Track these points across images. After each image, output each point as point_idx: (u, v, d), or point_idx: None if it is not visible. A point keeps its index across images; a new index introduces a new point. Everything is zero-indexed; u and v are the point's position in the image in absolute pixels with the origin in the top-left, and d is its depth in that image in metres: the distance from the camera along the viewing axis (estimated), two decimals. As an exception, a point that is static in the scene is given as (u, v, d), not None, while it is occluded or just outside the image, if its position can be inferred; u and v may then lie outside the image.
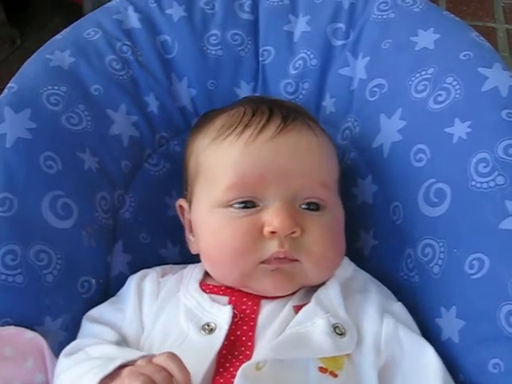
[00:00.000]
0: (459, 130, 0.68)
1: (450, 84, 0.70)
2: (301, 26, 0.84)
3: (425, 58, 0.74)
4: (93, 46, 0.79)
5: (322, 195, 0.66)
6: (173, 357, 0.52)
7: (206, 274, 0.69)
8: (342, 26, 0.83)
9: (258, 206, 0.64)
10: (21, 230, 0.65)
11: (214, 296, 0.66)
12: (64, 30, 0.81)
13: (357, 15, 0.83)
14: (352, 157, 0.80)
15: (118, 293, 0.71)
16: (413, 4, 0.80)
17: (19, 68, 0.75)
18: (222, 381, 0.57)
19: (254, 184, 0.64)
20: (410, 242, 0.70)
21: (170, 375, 0.51)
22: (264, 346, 0.59)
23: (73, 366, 0.59)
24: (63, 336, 0.66)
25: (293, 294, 0.65)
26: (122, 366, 0.54)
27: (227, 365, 0.59)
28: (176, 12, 0.84)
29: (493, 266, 0.62)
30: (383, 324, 0.63)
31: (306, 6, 0.85)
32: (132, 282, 0.70)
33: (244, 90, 0.85)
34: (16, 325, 0.63)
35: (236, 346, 0.60)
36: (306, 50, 0.84)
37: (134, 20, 0.83)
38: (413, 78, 0.74)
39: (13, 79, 0.73)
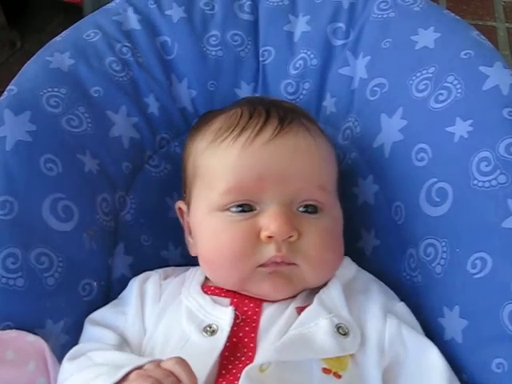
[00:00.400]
0: (460, 129, 0.67)
1: (450, 83, 0.70)
2: (301, 25, 0.84)
3: (425, 57, 0.74)
4: (92, 47, 0.79)
5: (320, 198, 0.66)
6: (181, 362, 0.52)
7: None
8: (342, 25, 0.82)
9: (256, 209, 0.64)
10: (21, 233, 0.65)
11: (215, 298, 0.66)
12: (63, 32, 0.81)
13: (357, 15, 0.82)
14: (353, 157, 0.79)
15: (120, 295, 0.71)
16: (413, 3, 0.79)
17: (19, 70, 0.75)
18: (224, 383, 0.57)
19: (251, 187, 0.64)
20: (412, 242, 0.70)
21: (178, 380, 0.51)
22: (267, 347, 0.59)
23: (77, 371, 0.59)
24: (65, 339, 0.66)
25: (295, 295, 0.65)
26: (129, 372, 0.54)
27: (229, 367, 0.58)
28: (176, 13, 0.84)
29: (495, 265, 0.62)
30: (387, 324, 0.63)
31: (306, 5, 0.85)
32: (134, 284, 0.70)
33: (244, 91, 0.85)
34: (17, 328, 0.62)
35: (238, 347, 0.60)
36: (306, 50, 0.83)
37: (133, 21, 0.83)
38: (413, 78, 0.73)
39: (12, 81, 0.73)
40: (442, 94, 0.70)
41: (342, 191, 0.73)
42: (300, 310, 0.63)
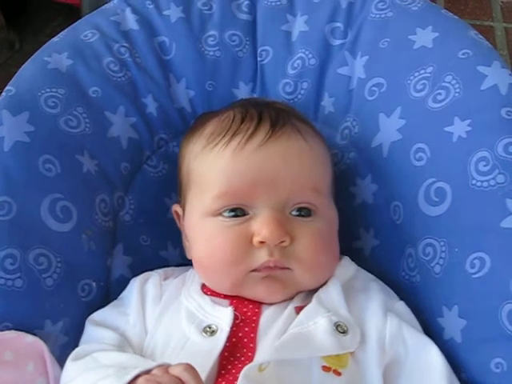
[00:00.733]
0: (459, 128, 0.67)
1: (449, 83, 0.70)
2: (299, 25, 0.84)
3: (423, 56, 0.74)
4: (90, 48, 0.79)
5: (313, 200, 0.66)
6: (190, 368, 0.52)
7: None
8: (340, 25, 0.82)
9: (248, 214, 0.64)
10: (20, 234, 0.65)
11: (215, 298, 0.66)
12: (61, 33, 0.81)
13: (355, 14, 0.82)
14: (351, 156, 0.79)
15: (120, 296, 0.71)
16: (411, 3, 0.79)
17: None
18: (224, 383, 0.57)
19: (243, 192, 0.64)
20: (411, 242, 0.70)
21: None
22: (266, 347, 0.59)
23: (83, 372, 0.58)
24: (64, 340, 0.66)
25: (293, 296, 0.65)
26: (136, 375, 0.54)
27: (229, 367, 0.58)
28: (174, 13, 0.83)
29: (494, 264, 0.62)
30: (387, 322, 0.63)
31: (304, 5, 0.85)
32: (134, 285, 0.70)
33: (242, 91, 0.85)
34: (16, 329, 0.62)
35: (238, 347, 0.60)
36: (304, 50, 0.83)
37: (131, 21, 0.83)
38: (412, 77, 0.73)
39: (10, 82, 0.73)
40: (440, 93, 0.70)
41: (340, 191, 0.74)
42: (299, 309, 0.63)
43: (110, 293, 0.73)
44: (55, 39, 0.80)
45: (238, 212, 0.64)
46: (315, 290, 0.65)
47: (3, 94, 0.72)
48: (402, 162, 0.72)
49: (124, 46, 0.81)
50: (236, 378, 0.55)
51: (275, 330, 0.61)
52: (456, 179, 0.66)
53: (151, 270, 0.72)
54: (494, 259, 0.62)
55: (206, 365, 0.57)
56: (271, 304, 0.64)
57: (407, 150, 0.71)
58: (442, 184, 0.68)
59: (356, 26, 0.82)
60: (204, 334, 0.61)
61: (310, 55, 0.83)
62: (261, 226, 0.62)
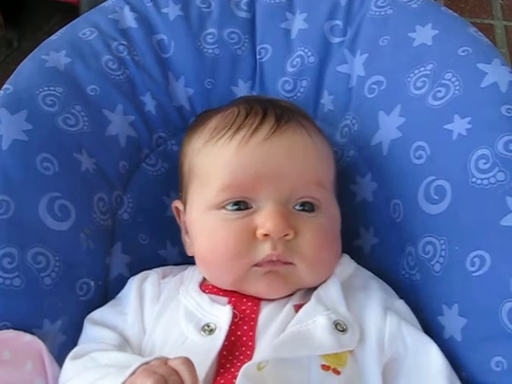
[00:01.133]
0: (459, 126, 0.67)
1: (449, 80, 0.70)
2: (298, 23, 0.84)
3: (423, 54, 0.74)
4: (89, 46, 0.79)
5: (317, 195, 0.66)
6: (187, 362, 0.52)
7: (206, 276, 0.69)
8: (339, 22, 0.82)
9: (252, 207, 0.64)
10: (18, 233, 0.65)
11: (213, 296, 0.65)
12: (59, 31, 0.80)
13: (354, 12, 0.82)
14: (351, 154, 0.79)
15: (119, 295, 0.70)
16: (410, 0, 0.79)
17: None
18: (222, 381, 0.57)
19: (246, 185, 0.64)
20: (411, 240, 0.70)
21: (181, 380, 0.51)
22: (265, 345, 0.59)
23: (82, 372, 0.58)
24: (62, 339, 0.65)
25: (292, 293, 0.65)
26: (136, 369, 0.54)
27: (228, 365, 0.58)
28: (172, 11, 0.83)
29: (494, 263, 0.62)
30: (387, 321, 0.63)
31: (303, 3, 0.85)
32: (133, 284, 0.69)
33: (241, 89, 0.85)
34: (14, 328, 0.62)
35: (237, 346, 0.60)
36: (303, 48, 0.83)
37: (130, 19, 0.82)
38: (411, 75, 0.73)
39: (8, 80, 0.73)
40: (440, 91, 0.70)
41: (340, 189, 0.73)
42: (298, 307, 0.63)
43: (108, 291, 0.72)
44: (53, 37, 0.80)
45: (242, 205, 0.64)
46: (314, 288, 0.65)
47: (1, 92, 0.72)
48: (402, 160, 0.72)
49: (122, 44, 0.80)
50: (235, 377, 0.55)
51: (274, 328, 0.61)
52: (456, 177, 0.66)
53: (150, 268, 0.72)
54: (494, 257, 0.62)
55: (204, 363, 0.57)
56: (270, 302, 0.64)
57: (407, 148, 0.71)
58: (441, 182, 0.67)
59: (355, 24, 0.81)
60: (202, 332, 0.61)
61: (310, 53, 0.83)
62: (265, 218, 0.62)
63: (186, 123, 0.83)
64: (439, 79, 0.71)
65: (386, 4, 0.80)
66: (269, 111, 0.68)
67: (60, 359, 0.62)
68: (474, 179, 0.65)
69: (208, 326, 0.61)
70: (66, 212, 0.68)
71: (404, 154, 0.72)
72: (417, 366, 0.61)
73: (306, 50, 0.83)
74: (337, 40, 0.82)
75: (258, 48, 0.85)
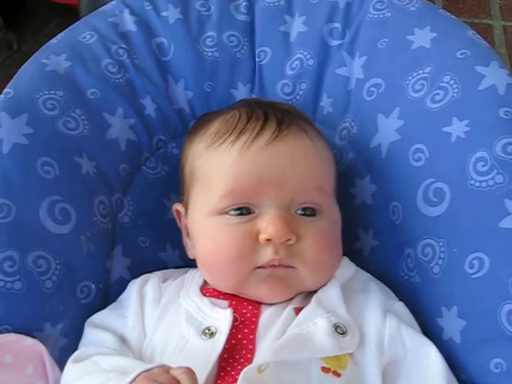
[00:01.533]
0: (457, 128, 0.67)
1: (447, 83, 0.70)
2: (297, 26, 0.84)
3: (421, 56, 0.74)
4: (88, 49, 0.79)
5: (319, 200, 0.66)
6: (190, 372, 0.52)
7: (207, 279, 0.69)
8: (338, 25, 0.82)
9: (254, 212, 0.64)
10: (19, 236, 0.65)
11: (214, 300, 0.66)
12: (59, 34, 0.81)
13: (353, 15, 0.82)
14: (350, 157, 0.79)
15: (119, 298, 0.71)
16: (409, 3, 0.79)
17: (16, 72, 0.75)
18: (223, 385, 0.57)
19: (249, 191, 0.64)
20: (410, 242, 0.70)
21: None
22: (265, 348, 0.59)
23: (83, 376, 0.58)
24: (63, 342, 0.66)
25: (293, 297, 0.65)
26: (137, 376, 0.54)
27: (228, 368, 0.58)
28: (172, 14, 0.83)
29: (493, 265, 0.62)
30: (386, 323, 0.63)
31: (302, 6, 0.85)
32: (133, 287, 0.70)
33: (241, 92, 0.85)
34: (15, 332, 0.62)
35: (237, 349, 0.60)
36: (302, 51, 0.83)
37: (129, 23, 0.82)
38: (410, 78, 0.73)
39: (9, 84, 0.73)
40: (438, 93, 0.70)
41: (339, 192, 0.73)
42: (298, 310, 0.63)
43: (109, 294, 0.72)
44: (53, 41, 0.80)
45: (244, 211, 0.64)
46: (314, 291, 0.65)
47: (1, 96, 0.72)
48: (401, 163, 0.72)
49: (122, 48, 0.81)
50: (235, 380, 0.55)
51: (274, 331, 0.61)
52: (454, 179, 0.66)
53: (150, 271, 0.72)
54: (493, 259, 0.62)
55: (205, 367, 0.57)
56: (270, 305, 0.64)
57: (406, 151, 0.72)
58: (440, 184, 0.68)
59: (354, 27, 0.82)
60: (203, 336, 0.61)
61: (308, 56, 0.83)
62: (267, 223, 0.62)
63: (186, 126, 0.83)
64: (437, 82, 0.71)
65: (384, 7, 0.80)
66: (270, 115, 0.68)
67: (61, 362, 0.62)
68: (472, 182, 0.65)
69: (209, 330, 0.61)
70: (66, 215, 0.69)
71: (403, 157, 0.72)
72: (416, 367, 0.61)
73: (305, 53, 0.83)
74: (336, 43, 0.82)
75: (257, 51, 0.85)
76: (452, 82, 0.70)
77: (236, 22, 0.85)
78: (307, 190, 0.65)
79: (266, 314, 0.63)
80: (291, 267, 0.63)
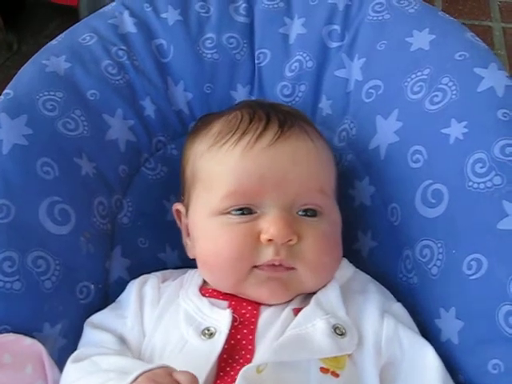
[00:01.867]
0: (455, 130, 0.68)
1: (445, 85, 0.70)
2: (296, 28, 0.84)
3: (420, 58, 0.74)
4: (88, 51, 0.79)
5: (320, 202, 0.66)
6: (193, 378, 0.52)
7: (206, 279, 0.69)
8: (337, 27, 0.82)
9: (256, 212, 0.64)
10: (18, 237, 0.65)
11: (213, 300, 0.66)
12: (59, 36, 0.81)
13: (352, 17, 0.82)
14: (349, 159, 0.80)
15: (119, 298, 0.71)
16: (408, 5, 0.80)
17: (16, 73, 0.75)
18: (222, 385, 0.57)
19: (251, 192, 0.64)
20: (408, 244, 0.70)
21: None
22: (264, 348, 0.59)
23: (84, 375, 0.58)
24: (62, 342, 0.66)
25: (292, 298, 0.65)
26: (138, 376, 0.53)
27: (228, 369, 0.59)
28: (171, 16, 0.84)
29: (491, 266, 0.62)
30: (383, 324, 0.63)
31: (301, 8, 0.85)
32: (132, 288, 0.70)
33: (240, 93, 0.85)
34: (15, 332, 0.62)
35: (236, 349, 0.60)
36: (301, 53, 0.83)
37: (129, 24, 0.83)
38: (408, 79, 0.74)
39: (9, 85, 0.73)
40: (437, 95, 0.71)
41: (338, 193, 0.74)
42: (297, 311, 0.63)
43: (108, 295, 0.73)
44: (53, 42, 0.80)
45: (245, 211, 0.64)
46: (313, 292, 0.65)
47: (1, 97, 0.72)
48: (400, 164, 0.72)
49: (122, 49, 0.81)
50: (234, 380, 0.55)
51: (273, 331, 0.61)
52: (453, 181, 0.67)
53: (149, 272, 0.73)
54: (491, 261, 0.62)
55: (204, 367, 0.57)
56: (269, 305, 0.64)
57: (404, 152, 0.72)
58: (438, 186, 0.68)
59: (353, 29, 0.82)
60: (202, 336, 0.61)
61: (308, 58, 0.83)
62: (269, 224, 0.62)
63: (186, 127, 0.84)
64: (436, 84, 0.71)
65: (383, 9, 0.80)
66: (272, 116, 0.68)
67: (60, 363, 0.62)
68: (470, 183, 0.65)
69: (208, 330, 0.62)
70: (66, 216, 0.69)
71: (401, 158, 0.72)
72: (413, 369, 0.61)
73: (305, 55, 0.83)
74: (335, 45, 0.83)
75: (256, 53, 0.85)
76: (451, 83, 0.70)
77: (235, 24, 0.85)
78: (309, 192, 0.65)
79: (265, 314, 0.63)
80: (292, 269, 0.64)
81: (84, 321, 0.67)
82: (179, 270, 0.74)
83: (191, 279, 0.70)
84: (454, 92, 0.69)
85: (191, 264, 0.72)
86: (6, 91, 0.72)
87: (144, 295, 0.68)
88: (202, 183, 0.68)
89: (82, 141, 0.74)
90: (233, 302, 0.65)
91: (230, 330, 0.60)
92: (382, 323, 0.63)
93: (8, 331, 0.62)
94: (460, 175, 0.66)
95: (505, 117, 0.66)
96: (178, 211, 0.74)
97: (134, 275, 0.73)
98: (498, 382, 0.60)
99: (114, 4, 0.85)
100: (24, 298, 0.64)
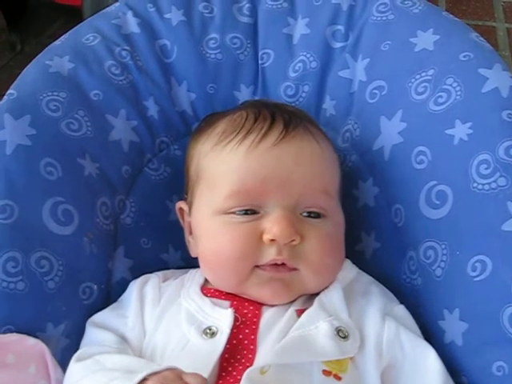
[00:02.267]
0: (460, 131, 0.67)
1: (450, 85, 0.70)
2: (300, 28, 0.84)
3: (425, 59, 0.74)
4: (92, 51, 0.79)
5: (323, 203, 0.66)
6: (204, 382, 0.52)
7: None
8: (341, 28, 0.82)
9: (259, 212, 0.64)
10: (22, 237, 0.65)
11: (215, 300, 0.66)
12: (63, 36, 0.81)
13: (356, 17, 0.82)
14: (353, 159, 0.79)
15: (120, 298, 0.71)
16: (412, 5, 0.79)
17: (20, 73, 0.75)
18: (224, 385, 0.57)
19: (255, 191, 0.64)
20: (412, 245, 0.70)
21: None
22: (267, 349, 0.59)
23: (88, 374, 0.58)
24: (65, 342, 0.66)
25: (295, 298, 0.65)
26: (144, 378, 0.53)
27: (230, 369, 0.59)
28: (175, 16, 0.84)
29: (495, 267, 0.62)
30: (385, 327, 0.63)
31: (305, 8, 0.85)
32: (133, 287, 0.70)
33: (244, 94, 0.85)
34: (18, 332, 0.62)
35: (238, 349, 0.60)
36: (305, 53, 0.83)
37: (133, 25, 0.83)
38: (413, 80, 0.73)
39: (12, 86, 0.73)
40: (441, 96, 0.70)
41: (342, 194, 0.73)
42: (299, 312, 0.63)
43: (110, 295, 0.73)
44: (57, 42, 0.80)
45: (249, 211, 0.64)
46: (316, 294, 0.65)
47: (5, 97, 0.72)
48: (404, 165, 0.72)
49: (125, 50, 0.81)
50: (237, 380, 0.55)
51: (276, 332, 0.61)
52: (457, 182, 0.66)
53: (152, 272, 0.73)
54: (496, 262, 0.62)
55: (206, 367, 0.57)
56: (272, 306, 0.64)
57: (408, 153, 0.71)
58: (443, 187, 0.68)
59: (357, 29, 0.82)
60: (204, 335, 0.61)
61: (311, 58, 0.83)
62: (272, 224, 0.62)
63: (189, 128, 0.83)
64: (440, 84, 0.71)
65: (387, 9, 0.80)
66: (277, 116, 0.68)
67: (63, 363, 0.62)
68: (475, 184, 0.65)
69: (210, 330, 0.62)
70: (69, 216, 0.69)
71: (405, 159, 0.72)
72: (414, 371, 0.61)
73: (308, 55, 0.83)
74: (338, 45, 0.83)
75: (260, 53, 0.85)
76: (455, 84, 0.70)
77: (239, 24, 0.85)
78: (313, 192, 0.65)
79: (268, 314, 0.63)
80: (294, 269, 0.63)
81: (87, 321, 0.67)
82: (180, 270, 0.74)
83: (193, 279, 0.70)
84: (459, 93, 0.69)
85: (194, 264, 0.72)
86: (9, 91, 0.72)
87: (145, 295, 0.68)
88: (206, 182, 0.68)
89: (86, 141, 0.74)
90: (234, 302, 0.65)
91: (232, 330, 0.60)
92: (383, 326, 0.63)
93: (11, 331, 0.62)
94: (464, 176, 0.65)
95: (509, 118, 0.66)
96: (181, 209, 0.74)
97: (137, 276, 0.73)
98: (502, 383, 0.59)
99: (117, 4, 0.85)
100: (27, 299, 0.64)
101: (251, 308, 0.64)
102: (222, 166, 0.66)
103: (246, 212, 0.64)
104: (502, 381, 0.59)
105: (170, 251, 0.80)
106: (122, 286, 0.72)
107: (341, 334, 0.60)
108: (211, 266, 0.67)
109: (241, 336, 0.61)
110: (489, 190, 0.64)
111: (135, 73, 0.81)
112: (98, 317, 0.68)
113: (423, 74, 0.73)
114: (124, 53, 0.81)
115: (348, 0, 0.83)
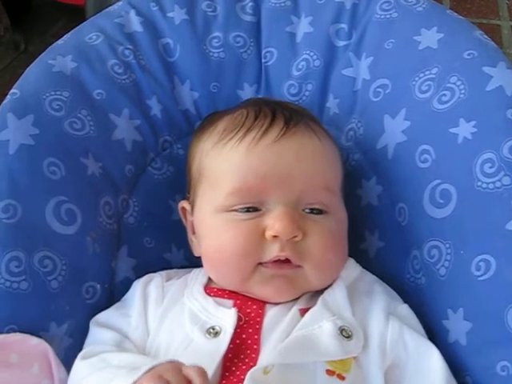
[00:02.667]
0: (464, 130, 0.67)
1: (454, 84, 0.70)
2: (303, 26, 0.84)
3: (428, 57, 0.73)
4: (95, 50, 0.79)
5: (326, 200, 0.66)
6: (203, 373, 0.52)
7: (211, 278, 0.69)
8: (344, 26, 0.82)
9: (261, 210, 0.64)
10: (25, 237, 0.65)
11: (218, 299, 0.66)
12: (66, 35, 0.81)
13: (359, 15, 0.82)
14: (356, 158, 0.79)
15: (124, 297, 0.71)
16: (416, 3, 0.79)
17: (23, 73, 0.76)
18: (228, 384, 0.57)
19: (256, 189, 0.64)
20: (416, 244, 0.70)
21: None
22: (271, 349, 0.59)
23: (94, 371, 0.59)
24: (68, 342, 0.66)
25: (298, 297, 0.65)
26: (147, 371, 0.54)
27: (233, 368, 0.59)
28: (178, 15, 0.83)
29: (500, 267, 0.61)
30: (389, 326, 0.63)
31: (308, 6, 0.85)
32: (137, 287, 0.70)
33: (247, 92, 0.85)
34: (21, 331, 0.63)
35: (242, 349, 0.60)
36: (308, 51, 0.83)
37: (135, 24, 0.83)
38: (416, 78, 0.73)
39: (15, 85, 0.74)
40: (445, 94, 0.70)
41: (345, 193, 0.73)
42: (303, 311, 0.63)
43: (114, 295, 0.73)
44: (59, 42, 0.80)
45: (251, 209, 0.64)
46: (320, 293, 0.65)
47: (8, 97, 0.72)
48: (407, 164, 0.72)
49: (128, 49, 0.81)
50: (240, 380, 0.55)
51: (279, 331, 0.61)
52: (461, 181, 0.66)
53: (155, 272, 0.73)
54: (500, 261, 0.62)
55: (209, 366, 0.57)
56: (275, 305, 0.64)
57: (412, 152, 0.71)
58: (447, 186, 0.67)
59: (361, 27, 0.81)
60: (207, 335, 0.61)
61: (315, 56, 0.83)
62: (274, 220, 0.62)
63: (192, 127, 0.83)
64: (444, 83, 0.71)
65: (391, 7, 0.80)
66: (278, 113, 0.68)
67: (66, 362, 0.62)
68: (479, 183, 0.65)
69: (213, 329, 0.62)
70: (72, 216, 0.69)
71: (409, 158, 0.71)
72: (418, 371, 0.61)
73: (312, 54, 0.83)
74: (342, 43, 0.82)
75: (263, 52, 0.85)
76: (459, 82, 0.70)
77: (242, 23, 0.85)
78: (314, 189, 0.65)
79: (271, 313, 0.63)
80: (297, 266, 0.63)
81: (90, 321, 0.67)
82: (184, 270, 0.74)
83: (196, 278, 0.70)
84: (463, 91, 0.69)
85: (197, 263, 0.72)
86: (12, 91, 0.73)
87: (148, 294, 0.68)
88: (208, 180, 0.68)
89: (89, 141, 0.74)
90: (238, 301, 0.65)
91: (236, 329, 0.60)
92: (387, 325, 0.63)
93: (15, 331, 0.62)
94: (469, 175, 0.65)
95: (514, 116, 0.65)
96: (183, 209, 0.74)
97: (140, 275, 0.73)
98: (506, 383, 0.59)
99: (120, 3, 0.85)
100: (31, 298, 0.64)
101: (254, 307, 0.64)
102: (224, 164, 0.66)
103: (248, 209, 0.64)
104: (506, 381, 0.59)
105: (173, 250, 0.80)
106: (126, 286, 0.72)
107: (344, 333, 0.60)
108: (214, 263, 0.67)
109: (244, 336, 0.61)
110: (493, 188, 0.64)
111: (138, 72, 0.81)
112: (102, 316, 0.68)
113: (427, 72, 0.73)
114: (127, 52, 0.81)
115: (351, -2, 0.83)
